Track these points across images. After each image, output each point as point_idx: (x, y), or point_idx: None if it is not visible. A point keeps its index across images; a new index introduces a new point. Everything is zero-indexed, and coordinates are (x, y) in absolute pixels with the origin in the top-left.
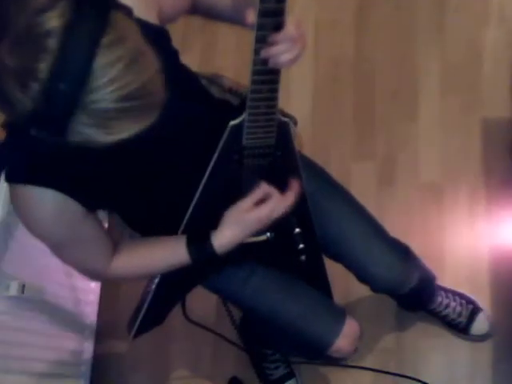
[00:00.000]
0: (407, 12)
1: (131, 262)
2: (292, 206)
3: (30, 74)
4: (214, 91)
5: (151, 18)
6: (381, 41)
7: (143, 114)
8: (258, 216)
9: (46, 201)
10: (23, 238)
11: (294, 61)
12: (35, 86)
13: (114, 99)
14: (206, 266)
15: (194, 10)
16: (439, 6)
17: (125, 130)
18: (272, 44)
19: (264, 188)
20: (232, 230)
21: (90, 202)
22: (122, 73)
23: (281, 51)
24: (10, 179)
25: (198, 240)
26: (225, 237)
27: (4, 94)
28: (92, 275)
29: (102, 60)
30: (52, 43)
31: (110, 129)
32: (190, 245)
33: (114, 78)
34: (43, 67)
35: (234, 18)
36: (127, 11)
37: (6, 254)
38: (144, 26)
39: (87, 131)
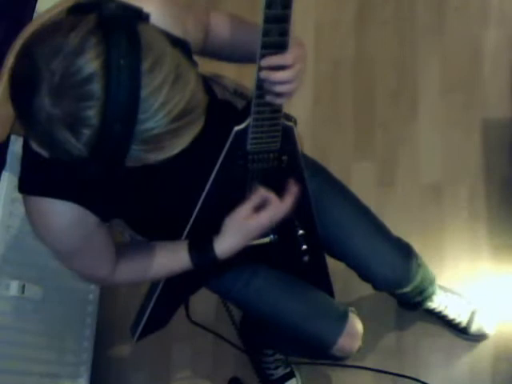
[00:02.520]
0: (407, 12)
1: (134, 268)
2: (291, 208)
3: (81, 123)
4: (217, 92)
5: (178, 33)
6: (381, 41)
7: (192, 128)
8: (258, 222)
9: (63, 213)
10: (24, 238)
11: (292, 93)
12: (88, 132)
13: (165, 123)
14: (208, 270)
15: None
16: (439, 6)
17: (178, 146)
18: (274, 67)
19: (261, 193)
20: (233, 236)
21: (103, 212)
22: (171, 93)
23: (282, 79)
24: (25, 191)
25: (200, 246)
26: (226, 243)
27: (57, 141)
28: (97, 281)
29: (148, 88)
30: (96, 88)
31: (163, 149)
32: (192, 250)
33: (164, 101)
34: (92, 114)
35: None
36: (146, 16)
37: (6, 254)
38: (170, 38)
39: (142, 156)
